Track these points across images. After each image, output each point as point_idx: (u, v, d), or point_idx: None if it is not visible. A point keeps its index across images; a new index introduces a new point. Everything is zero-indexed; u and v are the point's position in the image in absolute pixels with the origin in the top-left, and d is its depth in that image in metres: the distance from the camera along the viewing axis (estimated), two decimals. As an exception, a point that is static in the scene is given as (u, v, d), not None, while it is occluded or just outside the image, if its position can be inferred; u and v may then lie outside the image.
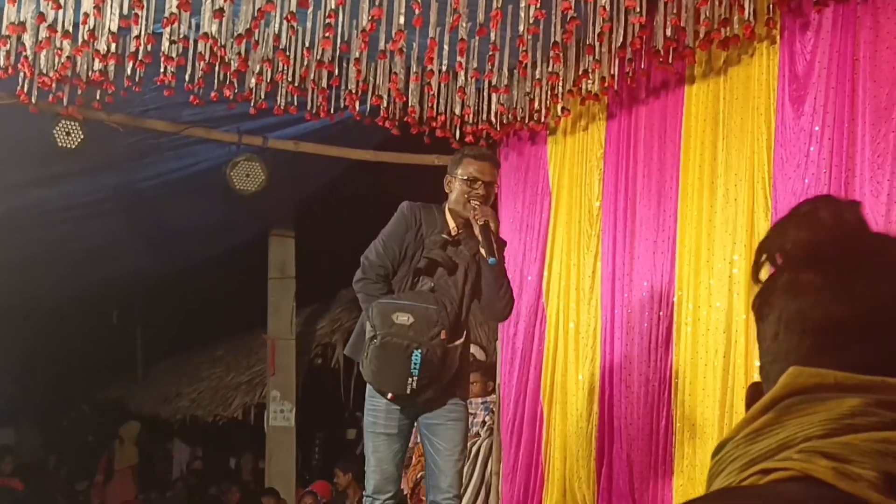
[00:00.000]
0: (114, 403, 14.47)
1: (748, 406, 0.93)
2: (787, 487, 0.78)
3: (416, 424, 4.64)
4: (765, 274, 0.94)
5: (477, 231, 4.36)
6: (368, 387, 4.49)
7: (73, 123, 6.33)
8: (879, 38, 4.37)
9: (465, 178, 4.44)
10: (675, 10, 5.13)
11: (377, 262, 4.49)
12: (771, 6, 4.88)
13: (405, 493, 7.06)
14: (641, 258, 5.72)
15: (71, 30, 5.25)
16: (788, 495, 0.78)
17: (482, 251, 4.34)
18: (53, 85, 5.76)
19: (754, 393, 0.93)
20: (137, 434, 12.03)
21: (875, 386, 0.82)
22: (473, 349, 7.94)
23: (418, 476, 6.95)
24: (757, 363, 0.98)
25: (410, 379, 4.24)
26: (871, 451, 0.78)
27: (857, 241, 0.90)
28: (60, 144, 6.33)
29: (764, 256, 0.94)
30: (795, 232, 0.92)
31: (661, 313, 5.53)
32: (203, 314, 12.46)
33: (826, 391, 0.83)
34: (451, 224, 4.50)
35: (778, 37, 4.91)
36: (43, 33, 5.23)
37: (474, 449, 6.95)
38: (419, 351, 4.24)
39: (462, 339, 4.44)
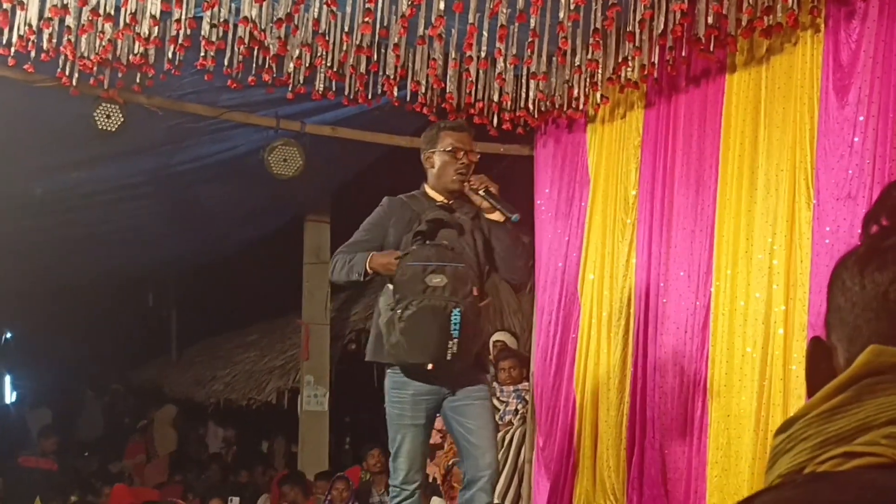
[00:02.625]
0: (149, 386, 14.59)
1: (809, 362, 0.88)
2: (878, 475, 0.73)
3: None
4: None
5: (478, 199, 4.36)
6: (390, 379, 4.40)
7: (113, 106, 6.36)
8: (927, 27, 4.30)
9: (448, 149, 4.43)
10: (717, -2, 5.08)
11: (353, 244, 4.51)
12: (816, -6, 4.82)
13: (438, 481, 7.08)
14: (678, 247, 5.69)
15: (113, 13, 5.28)
16: (880, 484, 0.73)
17: (494, 216, 4.35)
18: (94, 68, 5.80)
19: (817, 349, 0.88)
20: (174, 418, 12.13)
21: None
22: (504, 337, 7.96)
23: (450, 463, 6.96)
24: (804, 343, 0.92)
25: (451, 342, 4.12)
26: None
27: None
28: (100, 127, 6.37)
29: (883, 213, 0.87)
30: None
31: (697, 303, 5.49)
32: (238, 298, 12.53)
33: None
34: (439, 198, 4.49)
35: (822, 25, 4.85)
36: (85, 16, 5.27)
37: (507, 437, 6.96)
38: (458, 310, 4.12)
39: (490, 299, 4.42)
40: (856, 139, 4.59)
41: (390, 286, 4.32)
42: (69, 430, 13.22)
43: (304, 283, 9.93)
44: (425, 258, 4.18)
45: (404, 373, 4.34)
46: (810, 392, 0.87)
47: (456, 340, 4.12)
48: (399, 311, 4.18)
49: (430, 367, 4.21)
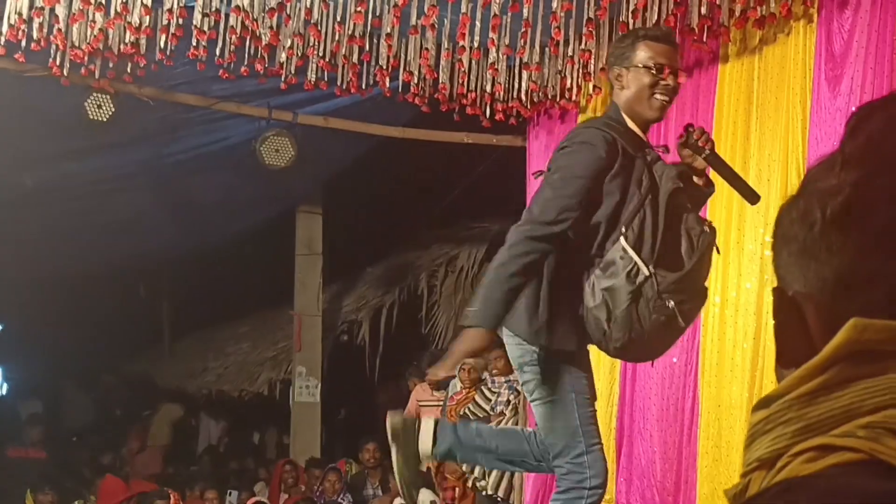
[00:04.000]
0: (141, 378, 14.57)
1: (776, 313, 0.81)
2: (853, 477, 0.68)
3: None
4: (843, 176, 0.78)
5: (698, 164, 3.36)
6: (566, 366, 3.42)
7: (104, 96, 6.34)
8: (919, 18, 4.31)
9: (648, 65, 3.29)
10: (710, -12, 5.08)
11: (562, 206, 3.20)
12: (809, -16, 4.82)
13: (432, 472, 7.04)
14: (671, 238, 5.68)
15: (104, 2, 5.26)
16: (854, 488, 0.67)
17: (740, 191, 3.42)
18: (85, 58, 5.77)
19: (786, 303, 0.80)
20: (177, 419, 12.14)
21: None
22: (497, 327, 7.94)
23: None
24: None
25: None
26: None
27: None
28: (92, 117, 6.36)
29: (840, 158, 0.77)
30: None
31: (689, 294, 5.49)
32: (230, 289, 12.51)
33: None
34: (640, 134, 3.39)
35: (815, 15, 4.86)
36: (76, 5, 5.25)
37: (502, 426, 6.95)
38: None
39: None
40: (848, 129, 4.59)
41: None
42: (59, 421, 13.19)
43: (296, 274, 9.92)
44: (706, 245, 3.23)
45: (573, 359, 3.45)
46: (779, 350, 0.83)
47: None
48: (668, 299, 3.18)
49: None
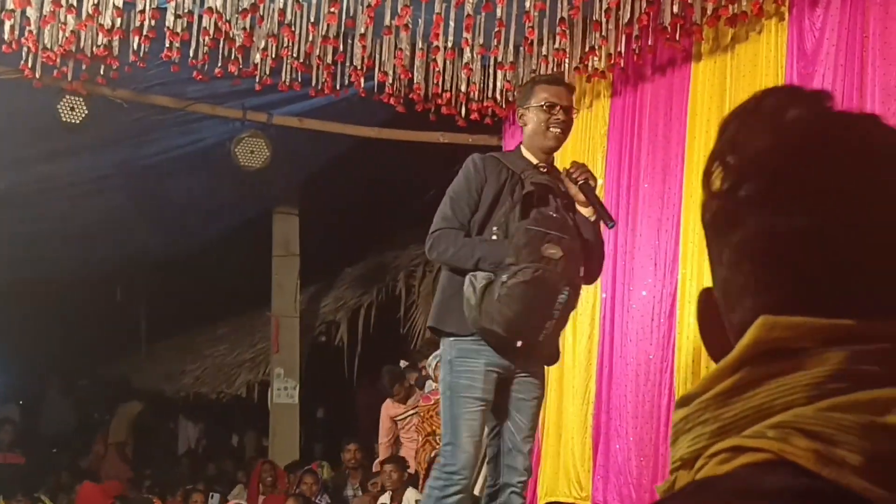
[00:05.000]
0: (118, 381, 14.50)
1: (700, 315, 0.84)
2: (761, 477, 0.69)
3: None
4: (718, 183, 0.81)
5: (574, 191, 3.91)
6: (455, 348, 3.90)
7: (77, 99, 6.31)
8: (889, 15, 4.34)
9: (542, 104, 3.96)
10: (682, -13, 5.10)
11: (449, 216, 3.96)
12: (780, -18, 4.85)
13: (420, 475, 7.00)
14: (644, 235, 5.71)
15: (75, 4, 5.23)
16: (761, 488, 0.68)
17: (586, 211, 3.93)
18: (58, 60, 5.74)
19: (708, 303, 0.83)
20: (137, 413, 12.04)
21: (859, 333, 0.71)
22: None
23: (432, 455, 6.94)
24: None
25: (549, 322, 3.77)
26: (856, 425, 0.68)
27: (838, 144, 0.76)
28: (65, 120, 6.32)
29: (717, 163, 0.80)
30: (758, 131, 0.78)
31: (664, 291, 5.52)
32: (207, 291, 12.45)
33: (805, 342, 0.72)
34: (534, 160, 4.02)
35: (786, 13, 4.89)
36: (47, 7, 5.21)
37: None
38: (567, 290, 3.75)
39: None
40: (819, 127, 4.62)
41: None
42: (36, 424, 13.11)
43: (273, 275, 9.90)
44: (545, 225, 3.78)
45: (485, 341, 3.85)
46: (707, 348, 0.84)
47: (553, 322, 3.78)
48: (505, 278, 3.71)
49: (519, 344, 3.82)
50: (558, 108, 3.97)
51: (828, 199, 0.75)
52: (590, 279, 4.12)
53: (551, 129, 3.96)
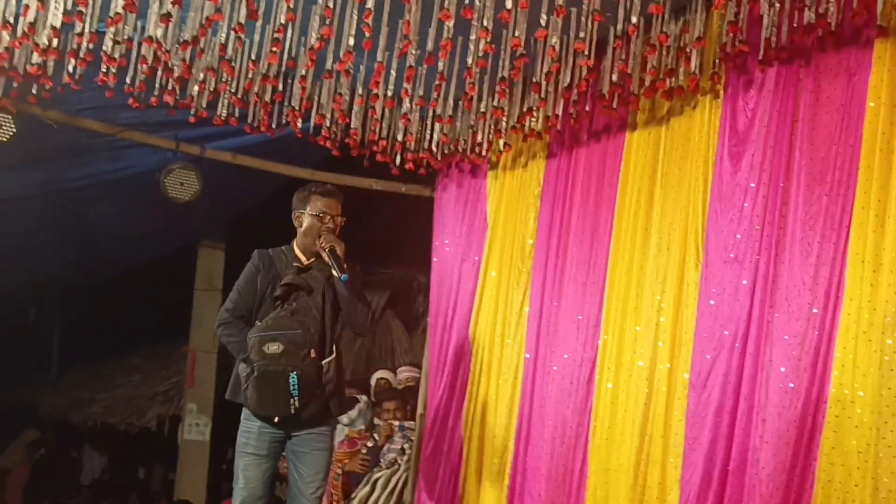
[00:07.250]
0: (21, 406, 14.08)
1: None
2: None
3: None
4: None
5: (325, 256, 4.71)
6: (244, 411, 4.82)
7: (5, 116, 6.20)
8: (819, 102, 4.44)
9: (316, 213, 4.81)
10: (622, 57, 5.17)
11: (233, 308, 4.85)
12: (717, 61, 4.94)
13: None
14: (569, 298, 5.73)
15: (11, 21, 5.12)
16: None
17: (333, 271, 4.68)
18: (-12, 76, 5.60)
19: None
20: (30, 442, 11.68)
21: None
22: (388, 375, 7.95)
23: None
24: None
25: (292, 400, 4.60)
26: None
27: None
28: (-9, 136, 6.18)
29: None
30: None
31: (584, 355, 5.53)
32: (124, 320, 12.21)
33: None
34: (302, 257, 4.85)
35: (722, 91, 4.97)
36: (-19, 22, 5.09)
37: (393, 480, 6.87)
38: (295, 373, 4.58)
39: (334, 356, 4.77)
40: (745, 204, 4.70)
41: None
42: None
43: (193, 308, 9.75)
44: (272, 327, 4.64)
45: (254, 415, 4.81)
46: None
47: (296, 398, 4.60)
48: (246, 374, 4.69)
49: (276, 419, 4.70)
50: (328, 217, 4.82)
51: None
52: (357, 329, 5.00)
53: (322, 234, 4.77)
